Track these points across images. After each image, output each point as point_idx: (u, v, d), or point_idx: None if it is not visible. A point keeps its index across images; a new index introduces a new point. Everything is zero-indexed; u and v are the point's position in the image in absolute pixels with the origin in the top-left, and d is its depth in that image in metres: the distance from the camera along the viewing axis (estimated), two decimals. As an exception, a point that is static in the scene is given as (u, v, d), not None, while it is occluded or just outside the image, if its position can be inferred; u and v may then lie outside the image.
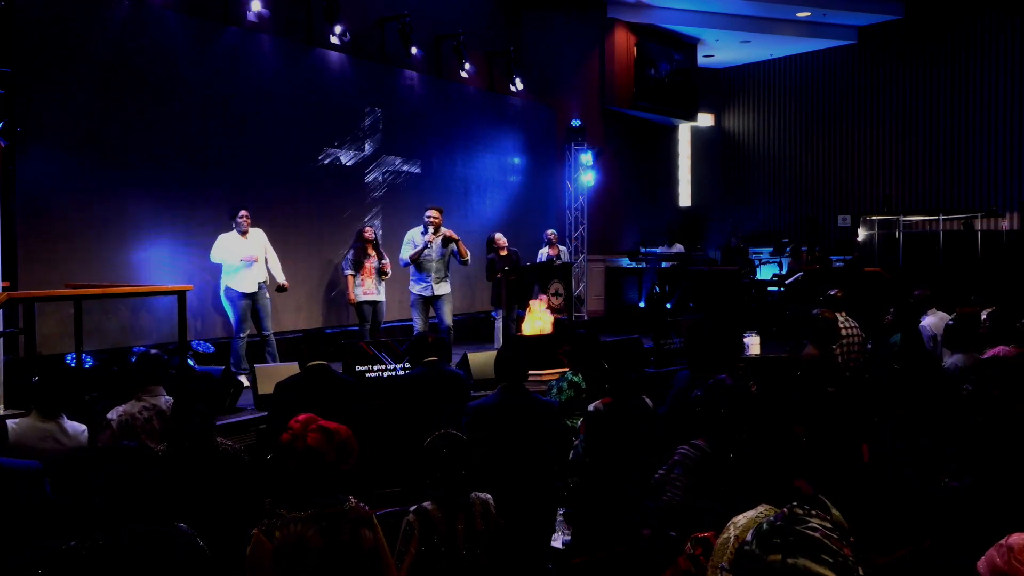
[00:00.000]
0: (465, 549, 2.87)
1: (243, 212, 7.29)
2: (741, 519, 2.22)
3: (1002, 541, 1.59)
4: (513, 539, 3.11)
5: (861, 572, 1.40)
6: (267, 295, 7.40)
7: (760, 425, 2.48)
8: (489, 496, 3.03)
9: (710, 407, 3.11)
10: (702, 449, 3.09)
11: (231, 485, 3.20)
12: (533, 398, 4.13)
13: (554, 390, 5.00)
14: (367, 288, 8.16)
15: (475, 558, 2.88)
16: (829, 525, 1.46)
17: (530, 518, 3.78)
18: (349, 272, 8.16)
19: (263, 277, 7.39)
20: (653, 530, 3.06)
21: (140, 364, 4.24)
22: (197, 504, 3.04)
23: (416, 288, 8.04)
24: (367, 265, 8.15)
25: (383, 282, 8.30)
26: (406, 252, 8.08)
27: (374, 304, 8.23)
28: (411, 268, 8.08)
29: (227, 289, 7.21)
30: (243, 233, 7.29)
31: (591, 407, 4.05)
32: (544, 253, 10.30)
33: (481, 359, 7.02)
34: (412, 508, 2.90)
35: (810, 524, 1.43)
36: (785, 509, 1.50)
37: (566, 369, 5.31)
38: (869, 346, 6.48)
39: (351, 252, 8.24)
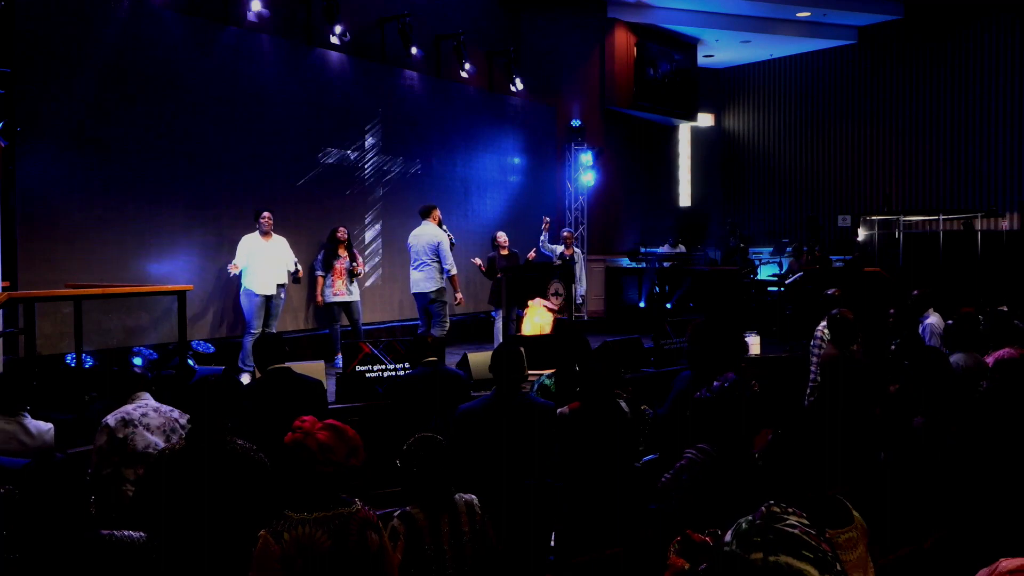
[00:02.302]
0: (451, 551, 2.86)
1: (265, 213, 7.43)
2: None
3: (1000, 560, 1.58)
4: (507, 540, 3.10)
5: (839, 568, 1.40)
6: (282, 297, 7.51)
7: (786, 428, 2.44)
8: (474, 497, 3.02)
9: (722, 409, 3.06)
10: (708, 452, 3.06)
11: (245, 485, 3.18)
12: (528, 399, 4.05)
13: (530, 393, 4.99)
14: (337, 288, 8.19)
15: (462, 560, 2.88)
16: (806, 522, 1.46)
17: (524, 519, 3.75)
18: (319, 273, 8.25)
19: (282, 280, 7.51)
20: (657, 533, 3.04)
21: (118, 381, 4.23)
22: (211, 504, 3.02)
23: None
24: (337, 266, 8.18)
25: (355, 282, 8.34)
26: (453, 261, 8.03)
27: (346, 304, 8.26)
28: (431, 269, 7.95)
29: (246, 288, 7.32)
30: (265, 234, 7.41)
31: (558, 412, 4.01)
32: (558, 252, 10.30)
33: (481, 359, 7.02)
34: (396, 512, 2.89)
35: (788, 521, 1.44)
36: (763, 508, 1.49)
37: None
38: (893, 347, 6.41)
39: (322, 252, 8.32)
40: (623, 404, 4.07)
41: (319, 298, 8.20)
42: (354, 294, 8.31)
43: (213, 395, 3.23)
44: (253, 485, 3.19)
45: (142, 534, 2.43)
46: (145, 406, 4.02)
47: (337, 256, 8.19)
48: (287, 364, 4.57)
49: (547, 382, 4.86)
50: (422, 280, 8.00)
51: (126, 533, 2.39)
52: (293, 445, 2.51)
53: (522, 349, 4.19)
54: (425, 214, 8.11)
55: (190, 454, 3.19)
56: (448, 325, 8.10)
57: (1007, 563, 1.55)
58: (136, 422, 3.93)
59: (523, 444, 3.88)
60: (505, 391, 3.99)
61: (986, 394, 4.25)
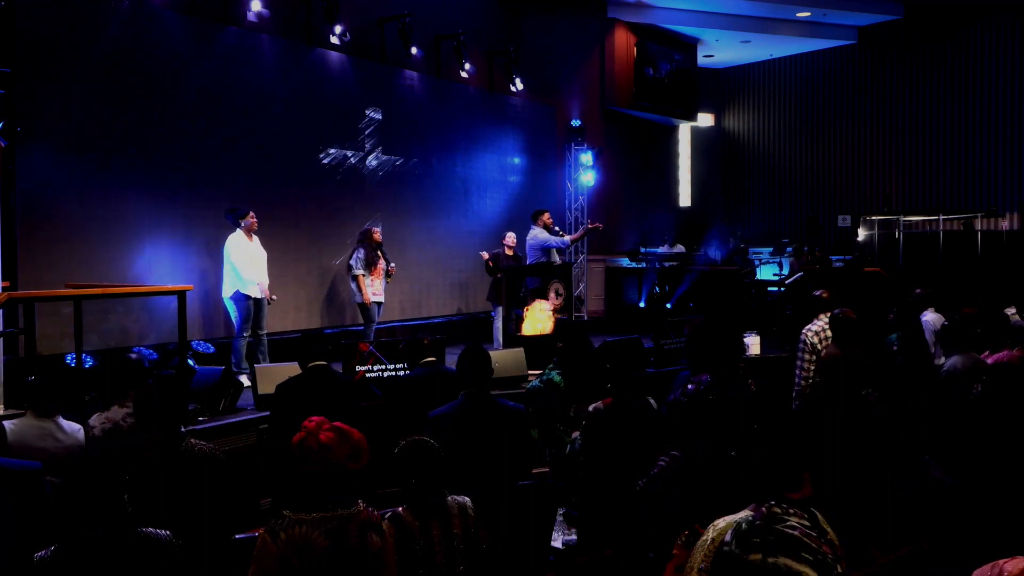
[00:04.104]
0: (442, 554, 2.85)
1: (252, 213, 7.29)
2: (722, 522, 2.16)
3: (999, 561, 1.56)
4: (496, 541, 3.08)
5: (840, 569, 1.40)
6: (266, 298, 7.42)
7: (755, 430, 2.44)
8: (467, 499, 3.00)
9: (695, 411, 3.04)
10: (677, 459, 3.04)
11: (206, 487, 3.16)
12: (498, 404, 4.00)
13: (534, 381, 5.00)
14: (376, 289, 8.20)
15: (452, 562, 2.86)
16: (807, 524, 1.45)
17: (506, 523, 3.72)
18: (360, 272, 8.13)
19: (267, 281, 7.41)
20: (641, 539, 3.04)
21: (116, 370, 4.20)
22: (173, 507, 2.99)
23: None
24: (377, 266, 8.18)
25: (387, 283, 8.37)
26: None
27: (379, 305, 8.27)
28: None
29: (237, 292, 7.15)
30: (250, 235, 7.28)
31: (591, 407, 4.01)
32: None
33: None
34: (387, 514, 2.87)
35: (789, 523, 1.43)
36: (764, 509, 1.49)
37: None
38: (895, 347, 6.38)
39: (361, 252, 8.19)
40: (652, 401, 4.08)
41: (367, 298, 8.16)
42: (383, 295, 8.34)
43: (163, 397, 3.19)
44: (213, 484, 3.16)
45: (167, 532, 2.48)
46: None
47: (377, 256, 8.20)
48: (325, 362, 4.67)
49: (556, 378, 4.86)
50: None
51: (158, 531, 2.45)
52: (296, 444, 2.52)
53: (488, 351, 4.17)
54: (533, 219, 9.20)
55: (144, 460, 3.10)
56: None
57: (1012, 564, 1.52)
58: (124, 435, 3.85)
59: (495, 448, 3.82)
60: (474, 395, 3.93)
61: (981, 397, 4.25)
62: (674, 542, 2.72)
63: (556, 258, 9.21)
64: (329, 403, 4.18)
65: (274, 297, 7.59)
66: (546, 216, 9.27)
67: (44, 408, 4.01)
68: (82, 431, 4.07)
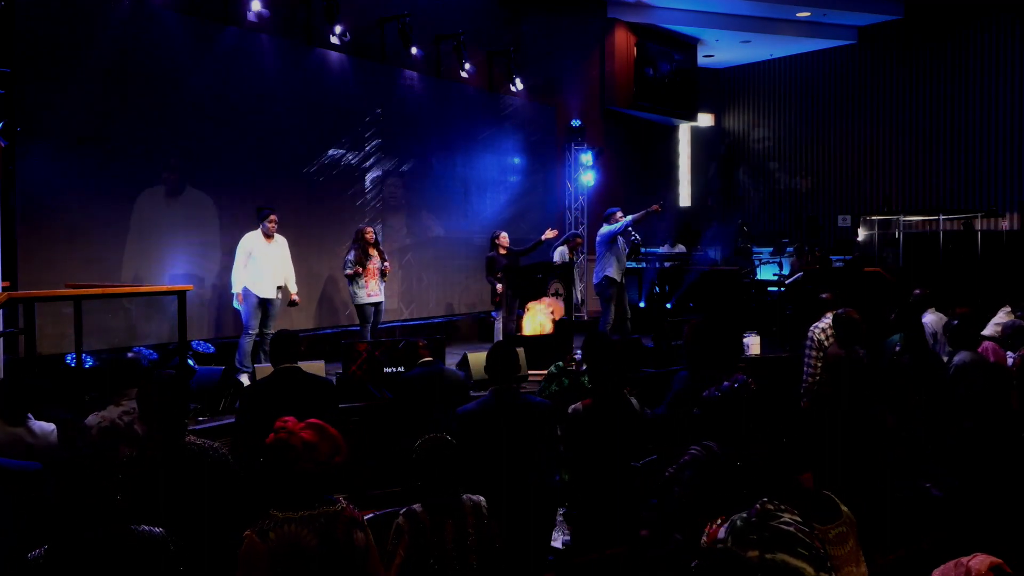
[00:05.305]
0: (454, 551, 2.87)
1: (273, 216, 7.25)
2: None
3: (963, 559, 1.57)
4: (506, 541, 3.10)
5: (830, 564, 1.41)
6: (279, 299, 7.38)
7: (764, 425, 2.45)
8: (482, 498, 3.02)
9: (731, 409, 3.05)
10: (713, 451, 3.05)
11: (206, 483, 3.15)
12: (526, 399, 4.05)
13: (553, 384, 4.99)
14: (371, 290, 8.06)
15: (465, 560, 2.88)
16: (799, 519, 1.46)
17: (526, 520, 3.75)
18: (351, 272, 8.02)
19: (282, 283, 7.37)
20: (654, 531, 3.04)
21: (113, 369, 4.16)
22: (172, 504, 2.99)
23: None
24: (369, 266, 8.05)
25: (383, 283, 8.26)
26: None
27: (376, 305, 8.16)
28: (599, 263, 9.02)
29: (245, 289, 7.11)
30: (268, 236, 7.24)
31: (571, 408, 4.02)
32: (563, 254, 10.28)
33: (481, 359, 6.99)
34: (402, 511, 2.91)
35: (783, 519, 1.44)
36: (757, 505, 1.49)
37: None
38: (898, 347, 6.41)
39: (352, 253, 8.09)
40: (633, 401, 4.08)
41: (361, 298, 8.04)
42: (382, 295, 8.19)
43: (164, 395, 3.18)
44: (215, 482, 3.15)
45: (161, 530, 2.47)
46: (133, 411, 3.88)
47: (369, 256, 8.04)
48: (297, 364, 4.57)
49: (583, 379, 4.86)
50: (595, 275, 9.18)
51: (152, 529, 2.45)
52: (277, 444, 2.52)
53: (517, 348, 4.19)
54: (606, 220, 9.25)
55: (147, 459, 3.10)
56: (611, 317, 8.92)
57: (976, 561, 1.54)
58: (121, 436, 3.84)
59: (523, 444, 3.88)
60: (503, 391, 3.97)
61: (981, 392, 4.26)
62: (675, 543, 2.73)
63: (621, 248, 9.16)
64: (302, 405, 4.09)
65: (296, 299, 7.56)
66: (618, 214, 9.25)
67: (11, 413, 3.91)
68: (55, 432, 4.00)
